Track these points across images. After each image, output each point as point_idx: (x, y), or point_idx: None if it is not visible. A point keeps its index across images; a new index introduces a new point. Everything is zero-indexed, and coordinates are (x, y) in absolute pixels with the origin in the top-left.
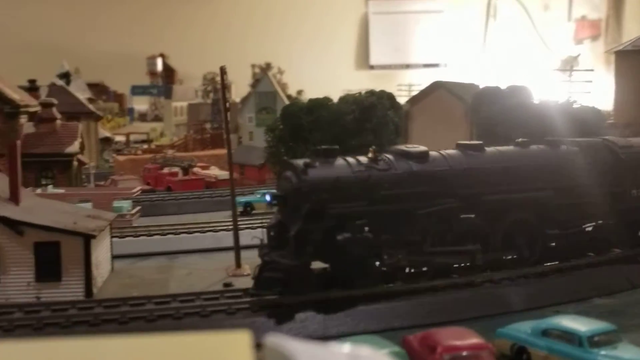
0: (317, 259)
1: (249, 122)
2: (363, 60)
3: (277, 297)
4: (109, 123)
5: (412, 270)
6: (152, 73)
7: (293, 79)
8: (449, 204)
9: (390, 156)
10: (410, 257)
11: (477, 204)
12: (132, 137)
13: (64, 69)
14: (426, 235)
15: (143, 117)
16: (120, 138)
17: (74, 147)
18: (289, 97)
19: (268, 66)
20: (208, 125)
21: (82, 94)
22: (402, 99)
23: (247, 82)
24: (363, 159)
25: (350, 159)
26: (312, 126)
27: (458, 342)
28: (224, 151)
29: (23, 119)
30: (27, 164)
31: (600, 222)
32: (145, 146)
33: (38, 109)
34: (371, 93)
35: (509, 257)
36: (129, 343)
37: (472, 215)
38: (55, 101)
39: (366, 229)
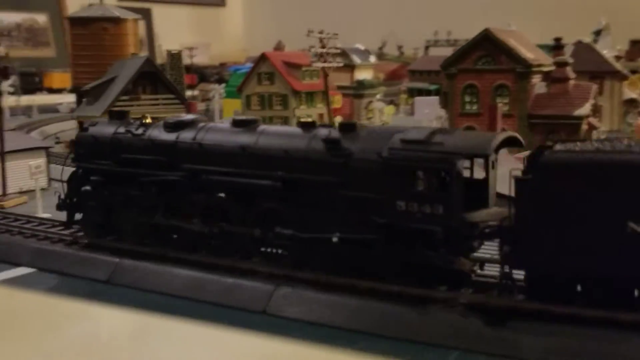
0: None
1: None
2: None
3: None
4: None
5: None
6: None
7: None
8: (169, 176)
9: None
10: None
11: (199, 182)
12: None
13: (601, 25)
14: (156, 205)
15: None
16: None
17: (584, 109)
18: None
19: None
20: None
21: (609, 52)
22: None
23: None
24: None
25: (130, 121)
26: None
27: None
28: None
29: (535, 79)
30: (534, 125)
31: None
32: None
33: (552, 68)
34: None
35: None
36: None
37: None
38: (570, 60)
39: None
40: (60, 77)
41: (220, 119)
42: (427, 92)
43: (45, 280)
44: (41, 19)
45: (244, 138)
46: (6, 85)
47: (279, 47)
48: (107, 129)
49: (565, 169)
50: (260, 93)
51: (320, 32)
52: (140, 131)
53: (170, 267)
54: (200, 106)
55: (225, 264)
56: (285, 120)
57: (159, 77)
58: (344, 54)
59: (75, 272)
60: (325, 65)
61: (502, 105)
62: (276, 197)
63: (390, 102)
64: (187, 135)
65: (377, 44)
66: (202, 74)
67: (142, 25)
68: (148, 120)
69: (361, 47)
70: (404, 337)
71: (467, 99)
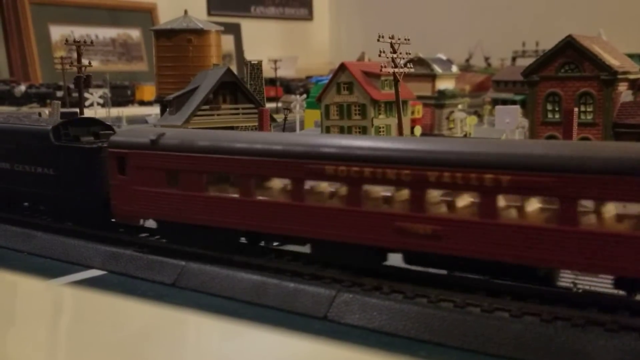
0: None
1: None
2: None
3: None
4: None
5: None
6: None
7: None
8: None
9: None
10: None
11: None
12: None
13: None
14: None
15: None
16: None
17: None
18: None
19: None
20: None
21: None
22: None
23: None
24: None
25: None
26: None
27: None
28: None
29: (621, 87)
30: (620, 134)
31: None
32: None
33: (639, 76)
34: None
35: None
36: None
37: None
38: None
39: None
40: (151, 90)
41: (300, 130)
42: (512, 103)
43: (114, 283)
44: (135, 34)
45: None
46: (96, 96)
47: (361, 58)
48: None
49: None
50: (339, 103)
51: (391, 37)
52: None
53: (235, 271)
54: (280, 117)
55: (288, 269)
56: (363, 130)
57: (239, 87)
58: (425, 63)
59: (143, 275)
60: (396, 70)
61: (578, 111)
62: None
63: (474, 113)
64: None
65: (464, 56)
66: (288, 86)
67: (231, 39)
68: None
69: (443, 57)
70: (468, 347)
71: (550, 107)
